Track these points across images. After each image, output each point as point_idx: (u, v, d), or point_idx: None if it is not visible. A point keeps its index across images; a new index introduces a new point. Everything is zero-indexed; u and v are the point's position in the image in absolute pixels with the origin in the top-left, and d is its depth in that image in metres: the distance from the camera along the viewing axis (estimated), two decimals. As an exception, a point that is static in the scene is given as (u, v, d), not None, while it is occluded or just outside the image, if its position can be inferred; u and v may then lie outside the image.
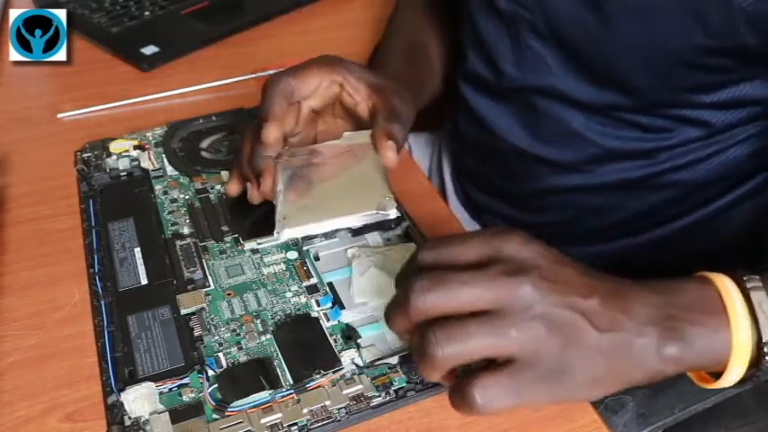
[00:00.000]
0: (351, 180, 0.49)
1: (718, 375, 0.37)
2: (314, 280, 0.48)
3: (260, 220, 0.50)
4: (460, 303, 0.34)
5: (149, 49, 0.75)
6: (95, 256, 0.49)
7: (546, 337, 0.34)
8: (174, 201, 0.55)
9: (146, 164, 0.58)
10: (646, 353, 0.35)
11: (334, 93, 0.53)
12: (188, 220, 0.53)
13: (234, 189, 0.52)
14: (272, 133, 0.48)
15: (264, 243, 0.50)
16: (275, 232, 0.46)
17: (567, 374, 0.34)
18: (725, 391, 0.59)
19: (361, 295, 0.47)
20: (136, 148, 0.60)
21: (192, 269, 0.48)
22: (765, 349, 0.35)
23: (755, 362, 0.36)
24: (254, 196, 0.50)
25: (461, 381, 0.35)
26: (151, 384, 0.40)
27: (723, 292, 0.36)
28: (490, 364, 0.35)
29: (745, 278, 0.36)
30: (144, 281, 0.48)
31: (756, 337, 0.35)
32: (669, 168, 0.57)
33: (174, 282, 0.48)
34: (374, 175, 0.48)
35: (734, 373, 0.36)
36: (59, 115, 0.66)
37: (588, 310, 0.35)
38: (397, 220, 0.52)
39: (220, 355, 0.43)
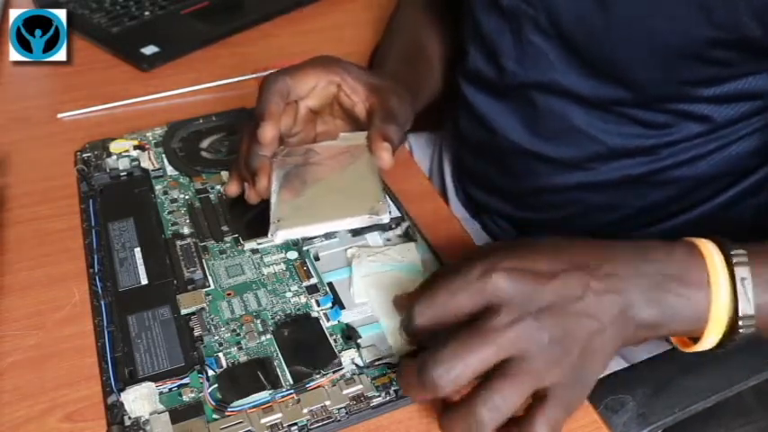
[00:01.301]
0: (345, 181, 0.49)
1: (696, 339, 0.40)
2: (314, 280, 0.48)
3: (260, 220, 0.50)
4: (479, 369, 0.36)
5: (149, 49, 0.75)
6: (95, 256, 0.49)
7: (567, 357, 0.36)
8: (174, 201, 0.55)
9: (146, 164, 0.58)
10: (630, 320, 0.38)
11: (332, 93, 0.53)
12: (188, 220, 0.53)
13: (233, 190, 0.52)
14: (267, 132, 0.48)
15: (264, 243, 0.51)
16: (269, 234, 0.46)
17: (590, 371, 0.37)
18: (725, 391, 0.58)
19: (361, 295, 0.47)
20: (136, 148, 0.60)
21: (191, 269, 0.48)
22: (740, 323, 0.38)
23: (730, 332, 0.38)
24: (252, 196, 0.50)
25: (517, 425, 0.36)
26: (151, 384, 0.40)
27: (710, 266, 0.38)
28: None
29: (732, 253, 0.38)
30: (144, 281, 0.48)
31: (733, 311, 0.38)
32: (671, 165, 0.57)
33: (174, 282, 0.48)
34: (369, 177, 0.48)
35: (708, 341, 0.39)
36: (59, 115, 0.66)
37: (589, 311, 0.37)
38: (397, 220, 0.52)
39: (220, 355, 0.43)
